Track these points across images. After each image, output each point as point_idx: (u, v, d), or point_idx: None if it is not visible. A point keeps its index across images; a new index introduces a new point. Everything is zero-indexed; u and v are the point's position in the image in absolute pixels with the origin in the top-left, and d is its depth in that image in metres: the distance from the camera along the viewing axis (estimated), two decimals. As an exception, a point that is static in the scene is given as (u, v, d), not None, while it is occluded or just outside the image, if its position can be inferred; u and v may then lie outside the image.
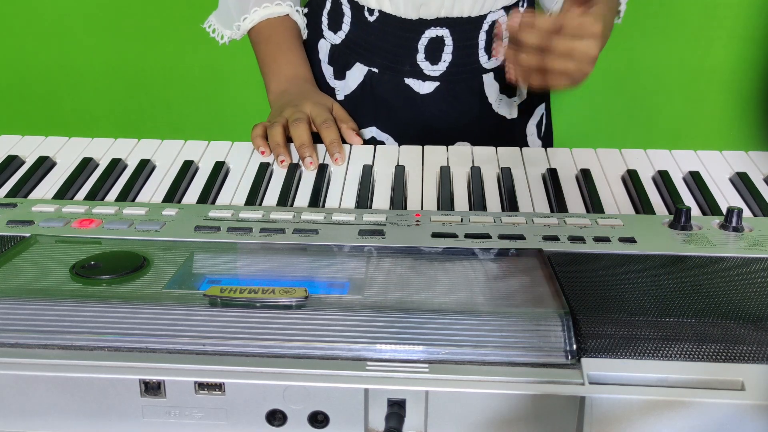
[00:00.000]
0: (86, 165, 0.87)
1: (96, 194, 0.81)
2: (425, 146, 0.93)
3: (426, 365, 0.52)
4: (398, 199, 0.81)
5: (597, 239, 0.68)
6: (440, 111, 1.07)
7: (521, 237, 0.69)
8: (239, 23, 1.07)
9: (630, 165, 0.88)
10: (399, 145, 0.93)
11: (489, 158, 0.90)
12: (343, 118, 1.00)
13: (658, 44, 1.51)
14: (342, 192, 0.83)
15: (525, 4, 1.07)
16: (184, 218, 0.73)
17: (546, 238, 0.68)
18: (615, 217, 0.74)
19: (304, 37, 1.11)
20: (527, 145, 1.13)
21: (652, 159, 0.89)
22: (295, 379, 0.51)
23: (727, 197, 0.81)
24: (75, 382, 0.52)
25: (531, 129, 1.13)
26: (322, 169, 0.87)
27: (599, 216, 0.74)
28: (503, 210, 0.79)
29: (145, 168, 0.87)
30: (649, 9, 1.49)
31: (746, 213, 0.77)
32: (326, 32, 1.08)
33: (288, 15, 1.08)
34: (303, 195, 0.82)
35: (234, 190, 0.83)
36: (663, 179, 0.84)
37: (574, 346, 0.53)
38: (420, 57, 1.03)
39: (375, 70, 1.06)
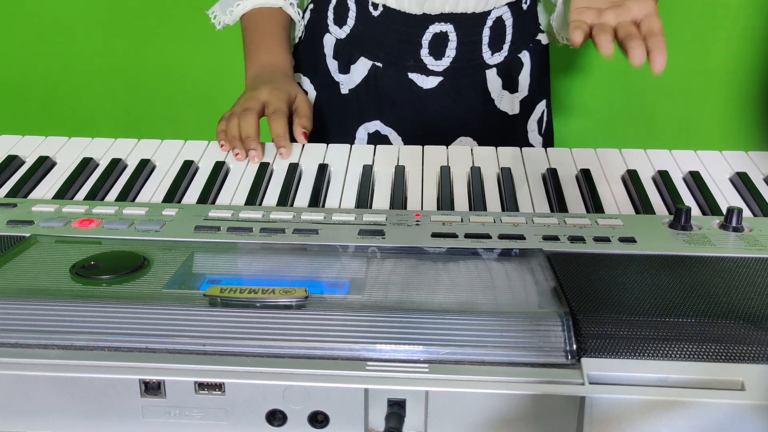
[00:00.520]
0: (86, 165, 0.87)
1: (96, 194, 0.81)
2: (425, 146, 0.93)
3: (426, 365, 0.52)
4: (398, 199, 0.81)
5: (597, 239, 0.68)
6: (443, 106, 1.07)
7: (521, 237, 0.69)
8: (232, 8, 1.09)
9: (630, 165, 0.88)
10: (402, 140, 0.93)
11: (489, 158, 0.90)
12: (301, 113, 0.98)
13: (658, 44, 1.50)
14: (342, 192, 0.83)
15: (528, 1, 1.08)
16: (184, 218, 0.73)
17: (546, 238, 0.68)
18: (615, 217, 0.74)
19: (298, 32, 1.12)
20: (528, 141, 1.14)
21: (652, 159, 0.89)
22: (295, 379, 0.51)
23: (727, 197, 0.81)
24: (75, 382, 0.52)
25: (532, 125, 1.14)
26: (322, 169, 0.87)
27: (599, 216, 0.74)
28: (503, 210, 0.79)
29: (145, 168, 0.87)
30: (649, 9, 1.49)
31: (746, 213, 0.77)
32: (331, 27, 1.09)
33: (281, 8, 1.08)
34: (303, 195, 0.82)
35: (234, 190, 0.83)
36: (663, 179, 0.84)
37: (574, 346, 0.53)
38: (424, 52, 1.04)
39: (379, 64, 1.06)
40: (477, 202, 0.80)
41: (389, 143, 1.09)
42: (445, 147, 0.93)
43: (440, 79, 1.06)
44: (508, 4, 1.05)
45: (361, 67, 1.07)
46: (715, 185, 0.84)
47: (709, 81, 1.54)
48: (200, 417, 0.53)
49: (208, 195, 0.82)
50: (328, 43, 1.10)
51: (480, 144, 1.08)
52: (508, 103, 1.10)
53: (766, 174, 0.86)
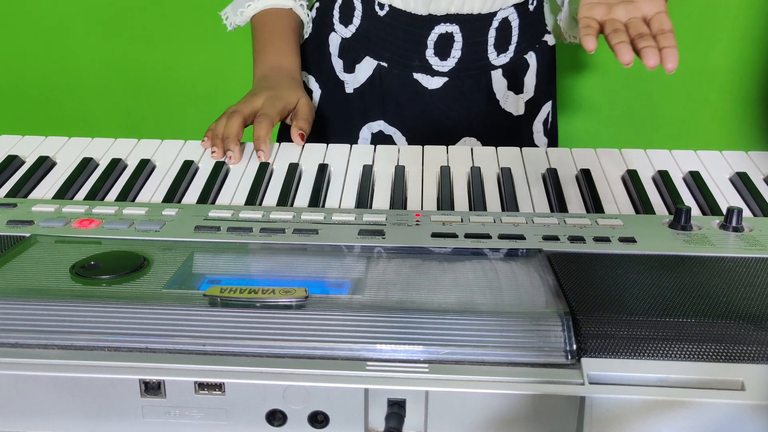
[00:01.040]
0: (86, 165, 0.87)
1: (96, 194, 0.81)
2: (425, 146, 0.93)
3: (426, 365, 0.52)
4: (398, 199, 0.81)
5: (597, 239, 0.68)
6: (448, 106, 1.07)
7: (521, 237, 0.69)
8: (243, 9, 1.09)
9: (630, 165, 0.88)
10: (406, 140, 0.92)
11: (489, 158, 0.90)
12: (300, 116, 0.98)
13: (658, 44, 1.50)
14: (342, 192, 0.83)
15: (535, 3, 1.07)
16: (184, 218, 0.73)
17: (546, 238, 0.68)
18: (615, 217, 0.74)
19: (307, 34, 1.12)
20: (533, 142, 1.14)
21: (652, 159, 0.89)
22: (295, 379, 0.51)
23: (727, 197, 0.81)
24: (75, 382, 0.52)
25: (537, 126, 1.14)
26: (322, 169, 0.87)
27: (599, 216, 0.74)
28: (503, 210, 0.79)
29: (145, 168, 0.87)
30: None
31: (746, 213, 0.77)
32: (337, 26, 1.09)
33: (291, 9, 1.08)
34: (303, 195, 0.82)
35: (234, 190, 0.83)
36: (663, 179, 0.84)
37: (574, 346, 0.53)
38: (429, 52, 1.04)
39: (384, 64, 1.06)
40: (477, 202, 0.80)
41: (393, 143, 1.09)
42: (445, 147, 0.93)
43: (445, 79, 1.06)
44: (515, 6, 1.05)
45: (366, 66, 1.08)
46: (715, 185, 0.84)
47: (709, 81, 1.54)
48: (200, 417, 0.53)
49: (208, 195, 0.82)
50: (334, 42, 1.10)
51: (484, 145, 1.08)
52: (513, 104, 1.10)
53: (766, 174, 0.86)
